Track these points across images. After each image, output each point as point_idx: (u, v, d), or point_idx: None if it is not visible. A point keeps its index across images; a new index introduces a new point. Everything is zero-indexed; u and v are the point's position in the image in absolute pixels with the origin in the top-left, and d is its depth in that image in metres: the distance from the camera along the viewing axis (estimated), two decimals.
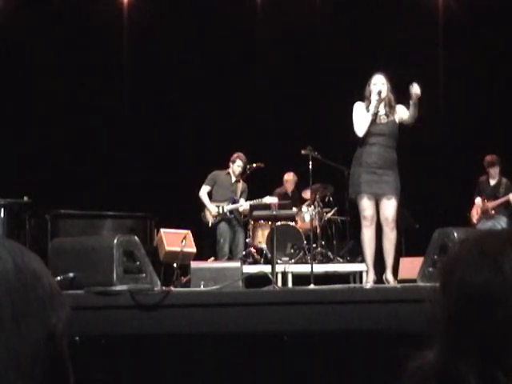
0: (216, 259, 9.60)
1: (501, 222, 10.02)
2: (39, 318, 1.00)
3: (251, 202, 9.91)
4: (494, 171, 10.15)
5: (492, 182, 10.22)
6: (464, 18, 12.10)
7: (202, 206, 10.10)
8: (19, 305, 0.99)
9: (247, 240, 10.41)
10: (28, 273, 1.02)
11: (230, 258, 9.66)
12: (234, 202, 10.08)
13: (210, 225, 9.96)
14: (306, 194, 10.50)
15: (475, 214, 10.23)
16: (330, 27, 12.36)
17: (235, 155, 10.20)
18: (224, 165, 10.31)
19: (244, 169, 10.21)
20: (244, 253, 10.20)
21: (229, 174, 10.20)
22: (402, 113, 7.40)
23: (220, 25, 12.41)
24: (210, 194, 10.15)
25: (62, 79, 12.21)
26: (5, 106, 11.89)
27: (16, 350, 0.98)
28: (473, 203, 10.31)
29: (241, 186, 10.22)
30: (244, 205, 9.95)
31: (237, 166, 10.14)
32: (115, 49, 12.66)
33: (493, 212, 10.09)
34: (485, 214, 10.13)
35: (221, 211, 9.96)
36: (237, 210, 10.07)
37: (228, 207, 10.00)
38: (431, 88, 12.00)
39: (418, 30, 11.95)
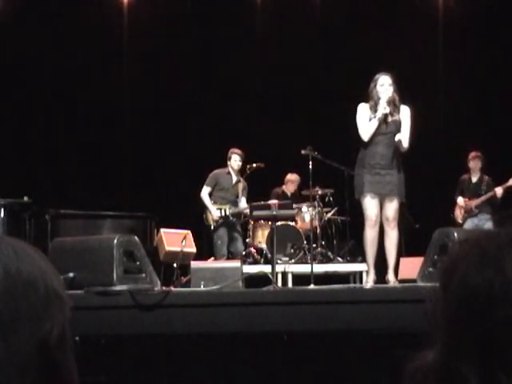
0: (216, 259, 9.59)
1: (483, 220, 10.00)
2: (30, 328, 0.97)
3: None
4: (475, 165, 10.13)
5: (474, 180, 10.22)
6: (464, 18, 12.10)
7: (204, 207, 10.04)
8: (7, 315, 0.96)
9: (247, 240, 10.41)
10: (20, 279, 0.98)
11: (230, 258, 9.64)
12: (237, 205, 10.00)
13: (212, 228, 9.90)
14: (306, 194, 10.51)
15: (459, 213, 10.21)
16: (331, 27, 12.36)
17: (230, 151, 10.09)
18: (224, 164, 10.29)
19: (242, 162, 10.11)
20: (244, 253, 10.20)
21: (229, 173, 10.09)
22: (403, 116, 7.36)
23: (220, 24, 12.41)
24: (210, 195, 10.08)
25: (61, 79, 12.20)
26: (5, 106, 11.89)
27: (4, 362, 0.95)
28: (455, 203, 10.28)
29: (241, 185, 10.16)
30: (247, 207, 9.86)
31: (234, 161, 10.05)
32: (115, 49, 12.65)
33: (476, 210, 10.08)
34: (468, 212, 10.11)
35: (223, 214, 9.87)
36: (239, 212, 9.99)
37: (231, 211, 9.90)
38: (431, 88, 12.02)
39: (417, 30, 11.95)
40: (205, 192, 10.01)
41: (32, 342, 0.97)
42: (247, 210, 9.77)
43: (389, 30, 11.92)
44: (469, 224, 10.00)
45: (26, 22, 12.21)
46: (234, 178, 10.08)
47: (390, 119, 7.32)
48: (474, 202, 10.07)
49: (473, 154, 10.26)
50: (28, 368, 0.96)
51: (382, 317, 5.77)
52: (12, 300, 0.97)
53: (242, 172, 10.17)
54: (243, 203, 10.00)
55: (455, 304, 1.05)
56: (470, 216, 10.09)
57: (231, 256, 9.80)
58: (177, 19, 12.51)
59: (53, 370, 1.00)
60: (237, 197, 10.06)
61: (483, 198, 10.04)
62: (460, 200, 10.16)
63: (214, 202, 9.98)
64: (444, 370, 1.05)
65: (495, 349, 1.02)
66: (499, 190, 9.91)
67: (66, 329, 1.02)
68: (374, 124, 7.24)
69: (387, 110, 7.25)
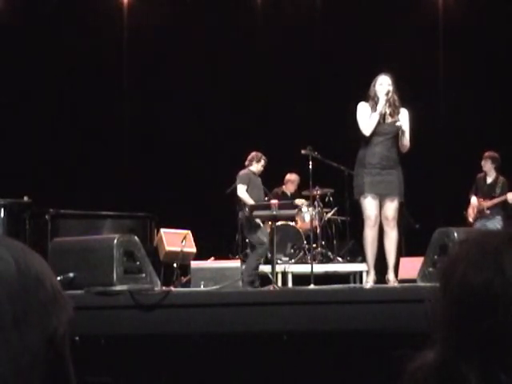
0: (238, 259, 9.43)
1: (495, 223, 9.94)
2: (40, 322, 1.00)
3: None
4: (486, 164, 10.05)
5: (489, 180, 10.14)
6: (464, 18, 12.10)
7: (242, 204, 9.59)
8: (20, 309, 0.99)
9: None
10: (30, 276, 1.01)
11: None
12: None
13: (260, 226, 9.53)
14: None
15: (471, 212, 10.15)
16: (331, 27, 12.36)
17: (259, 154, 9.78)
18: (224, 164, 10.24)
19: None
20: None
21: (255, 174, 9.77)
22: (403, 118, 7.37)
23: (220, 25, 12.41)
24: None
25: (61, 79, 12.21)
26: (4, 106, 11.89)
27: (16, 353, 0.97)
28: (469, 201, 10.23)
29: None
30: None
31: (261, 165, 9.73)
32: (115, 49, 12.65)
33: (488, 212, 10.02)
34: (481, 213, 10.06)
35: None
36: None
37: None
38: (431, 88, 12.03)
39: (418, 30, 11.95)
40: (243, 190, 9.57)
41: (42, 336, 1.00)
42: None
43: (389, 30, 11.92)
44: (479, 225, 9.93)
45: (26, 22, 12.21)
46: (259, 180, 9.88)
47: (390, 120, 7.34)
48: (487, 204, 10.00)
49: (485, 154, 10.13)
50: (37, 361, 0.99)
51: (382, 317, 5.77)
52: (24, 294, 1.00)
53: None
54: None
55: (455, 303, 1.05)
56: (481, 217, 10.03)
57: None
58: (177, 19, 12.51)
59: (58, 365, 1.02)
60: (264, 198, 9.78)
61: (495, 200, 9.95)
62: (473, 199, 10.06)
63: None
64: (444, 369, 1.05)
65: (495, 348, 1.02)
66: (510, 196, 9.79)
67: (68, 329, 1.04)
68: (375, 118, 7.25)
69: (386, 109, 7.27)
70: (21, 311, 0.99)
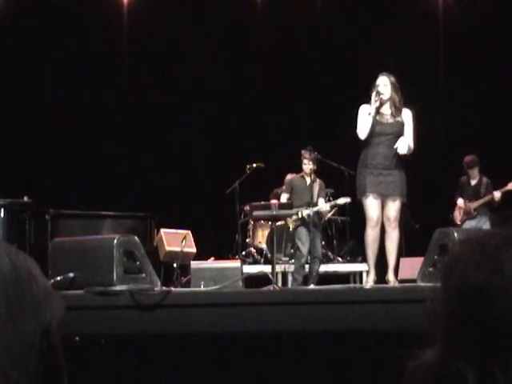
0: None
1: (481, 223, 9.99)
2: (34, 315, 1.02)
3: (330, 203, 9.72)
4: (473, 172, 10.12)
5: (473, 182, 10.20)
6: (464, 18, 12.10)
7: None
8: (15, 301, 1.01)
9: (247, 240, 10.40)
10: (23, 271, 1.04)
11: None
12: (313, 206, 9.68)
13: (290, 229, 9.56)
14: None
15: (458, 215, 10.22)
16: (331, 27, 12.36)
17: (302, 155, 9.61)
18: (224, 165, 10.26)
19: (315, 163, 9.52)
20: (244, 253, 10.20)
21: (303, 176, 9.69)
22: (406, 119, 7.37)
23: (220, 25, 12.41)
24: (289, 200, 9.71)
25: (61, 79, 12.21)
26: (4, 106, 11.88)
27: (12, 344, 0.99)
28: (455, 204, 10.28)
29: (317, 186, 9.73)
30: (323, 206, 9.65)
31: (303, 164, 9.59)
32: (115, 49, 12.65)
33: (475, 213, 10.08)
34: (468, 214, 10.12)
35: (299, 216, 9.45)
36: (316, 212, 9.68)
37: (306, 212, 9.65)
38: (431, 88, 12.02)
39: (418, 30, 11.95)
40: (283, 199, 9.65)
41: (36, 327, 1.02)
42: (323, 208, 9.63)
43: (389, 30, 11.92)
44: (467, 226, 10.01)
45: (26, 22, 12.21)
46: (308, 180, 9.68)
47: (391, 120, 7.34)
48: (473, 205, 10.07)
49: (466, 160, 10.14)
50: (33, 350, 1.01)
51: (382, 317, 5.76)
52: (19, 286, 1.02)
53: (316, 172, 9.68)
54: (321, 203, 9.76)
55: (454, 302, 1.06)
56: (468, 218, 10.10)
57: (311, 257, 9.52)
58: (177, 19, 12.50)
59: (52, 358, 1.04)
60: (312, 198, 9.74)
61: (481, 200, 10.04)
62: (460, 202, 10.15)
63: (294, 207, 9.59)
64: (443, 368, 1.05)
65: (492, 347, 1.03)
66: (497, 194, 9.87)
67: (60, 325, 1.06)
68: (369, 121, 7.26)
69: (380, 94, 7.27)
70: (15, 300, 1.01)
